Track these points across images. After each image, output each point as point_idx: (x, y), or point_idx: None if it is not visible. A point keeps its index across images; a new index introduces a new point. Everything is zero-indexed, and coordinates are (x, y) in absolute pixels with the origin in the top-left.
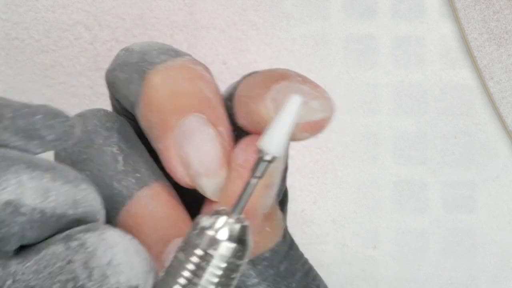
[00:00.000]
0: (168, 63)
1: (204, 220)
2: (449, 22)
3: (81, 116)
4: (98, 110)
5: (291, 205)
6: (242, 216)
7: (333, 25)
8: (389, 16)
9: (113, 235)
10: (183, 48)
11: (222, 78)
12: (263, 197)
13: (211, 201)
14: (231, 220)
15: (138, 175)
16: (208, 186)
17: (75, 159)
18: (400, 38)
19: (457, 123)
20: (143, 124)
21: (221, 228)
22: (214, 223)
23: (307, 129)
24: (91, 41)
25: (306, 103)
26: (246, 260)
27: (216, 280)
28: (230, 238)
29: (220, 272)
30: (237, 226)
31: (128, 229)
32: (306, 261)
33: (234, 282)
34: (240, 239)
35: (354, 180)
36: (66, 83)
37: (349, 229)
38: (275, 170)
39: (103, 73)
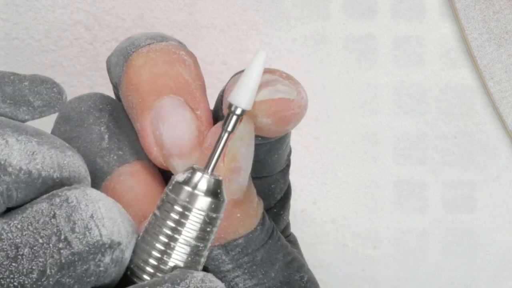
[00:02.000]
0: (151, 46)
1: (180, 176)
2: (449, 22)
3: (78, 98)
4: (95, 94)
5: (291, 205)
6: (215, 171)
7: (333, 25)
8: (389, 16)
9: (96, 192)
10: None
11: (222, 78)
12: (229, 182)
13: None
14: (207, 175)
15: (120, 152)
16: (179, 166)
17: (66, 137)
18: (400, 38)
19: (457, 123)
20: (125, 104)
21: (198, 183)
22: (190, 178)
23: (269, 112)
24: (91, 41)
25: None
26: (221, 213)
27: (195, 233)
28: (207, 192)
29: (199, 226)
30: (212, 180)
31: None
32: (289, 253)
33: (212, 236)
34: (216, 193)
35: (354, 180)
36: (66, 83)
37: (349, 229)
38: (243, 155)
39: (103, 73)
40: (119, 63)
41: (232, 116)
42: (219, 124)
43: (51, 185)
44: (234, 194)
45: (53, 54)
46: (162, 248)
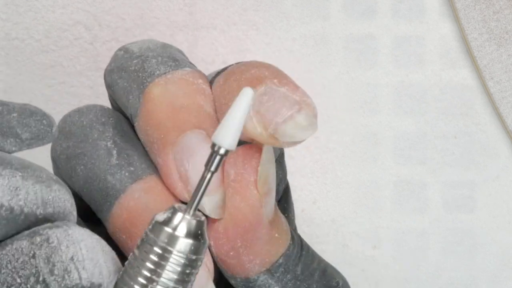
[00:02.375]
0: (168, 77)
1: (160, 216)
2: (449, 22)
3: (78, 111)
4: (95, 106)
5: None
6: (198, 211)
7: (333, 25)
8: (389, 16)
9: (79, 231)
10: (183, 48)
11: None
12: (264, 206)
13: (215, 219)
14: (188, 216)
15: (132, 168)
16: (206, 204)
17: (70, 154)
18: (400, 38)
19: (457, 123)
20: (142, 137)
21: (178, 225)
22: (171, 219)
23: (294, 142)
24: (91, 41)
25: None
26: (203, 255)
27: (175, 276)
28: (188, 234)
29: (179, 268)
30: (193, 222)
31: (121, 222)
32: (320, 259)
33: (192, 278)
34: (197, 235)
35: (354, 180)
36: (66, 83)
37: (349, 229)
38: (272, 176)
39: (103, 73)
40: (133, 93)
41: (215, 156)
42: (234, 155)
43: (34, 221)
44: (269, 215)
45: (53, 54)
46: None
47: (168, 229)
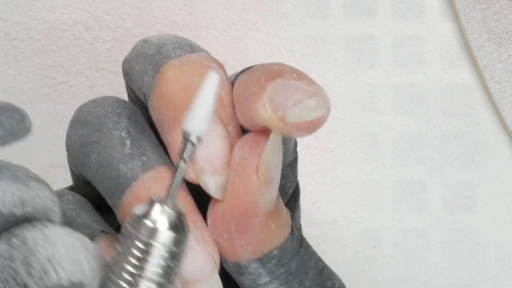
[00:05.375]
0: (183, 58)
1: (139, 209)
2: (449, 22)
3: (94, 101)
4: (111, 97)
5: None
6: (176, 202)
7: (333, 25)
8: (389, 16)
9: (56, 230)
10: None
11: None
12: (263, 194)
13: (216, 200)
14: (167, 208)
15: (144, 158)
16: (211, 183)
17: (84, 142)
18: (400, 38)
19: (457, 123)
20: (154, 116)
21: (158, 217)
22: (150, 212)
23: (304, 128)
24: (91, 41)
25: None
26: (185, 247)
27: (159, 269)
28: (169, 227)
29: (162, 262)
30: (173, 214)
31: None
32: (319, 259)
33: (176, 270)
34: (177, 226)
35: (354, 180)
36: (66, 83)
37: (349, 229)
38: (275, 166)
39: (103, 73)
40: (148, 73)
41: (189, 144)
42: (244, 138)
43: (13, 222)
44: (268, 206)
45: (53, 54)
46: (126, 286)
47: (148, 222)
